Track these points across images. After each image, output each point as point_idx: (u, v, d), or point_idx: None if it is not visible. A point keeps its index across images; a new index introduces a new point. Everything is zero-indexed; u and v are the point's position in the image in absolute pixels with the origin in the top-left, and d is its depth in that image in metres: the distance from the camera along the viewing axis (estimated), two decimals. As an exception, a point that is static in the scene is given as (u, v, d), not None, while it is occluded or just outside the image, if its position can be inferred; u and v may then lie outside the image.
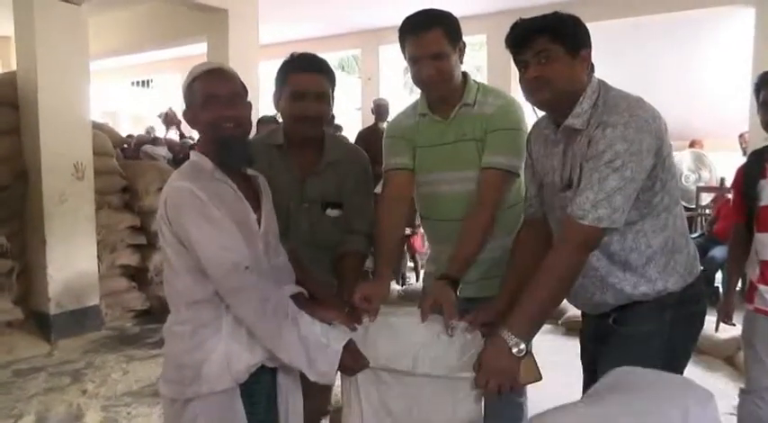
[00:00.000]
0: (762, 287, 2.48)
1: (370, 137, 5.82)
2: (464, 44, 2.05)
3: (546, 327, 4.72)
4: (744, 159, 2.93)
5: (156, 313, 5.26)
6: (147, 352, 4.53)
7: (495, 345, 1.58)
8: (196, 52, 7.64)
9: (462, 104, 2.08)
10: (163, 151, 7.30)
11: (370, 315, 1.86)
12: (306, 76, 2.04)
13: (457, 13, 2.07)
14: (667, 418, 1.20)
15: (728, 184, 5.17)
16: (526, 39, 1.64)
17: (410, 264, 6.54)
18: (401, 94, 9.77)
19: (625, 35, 7.91)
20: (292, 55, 2.12)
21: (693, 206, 6.97)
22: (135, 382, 3.99)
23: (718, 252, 5.32)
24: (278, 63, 2.14)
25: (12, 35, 5.91)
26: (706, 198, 6.94)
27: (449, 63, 1.98)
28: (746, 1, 6.47)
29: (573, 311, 4.28)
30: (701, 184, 7.25)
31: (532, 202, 1.93)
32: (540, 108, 1.76)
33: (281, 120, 2.25)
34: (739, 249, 2.65)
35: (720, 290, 4.80)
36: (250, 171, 1.81)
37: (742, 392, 2.59)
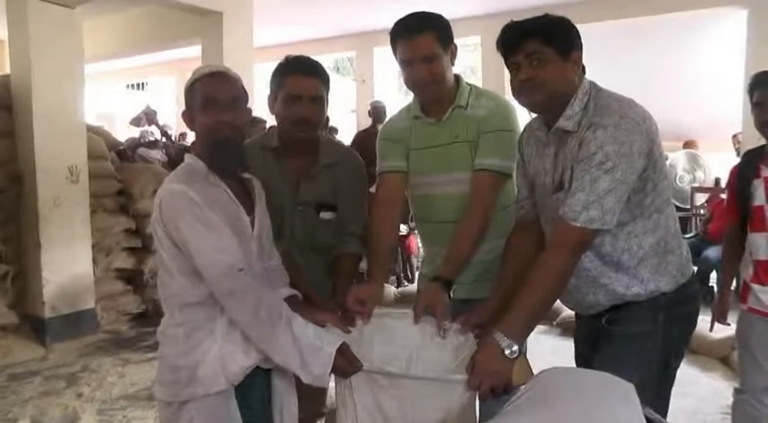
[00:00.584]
0: (755, 287, 2.49)
1: (367, 139, 5.82)
2: (456, 46, 2.05)
3: (541, 328, 4.75)
4: (738, 160, 2.94)
5: (151, 316, 5.25)
6: (142, 355, 4.52)
7: (487, 346, 1.59)
8: (191, 55, 7.65)
9: (455, 106, 2.09)
10: (158, 154, 7.30)
11: (364, 317, 1.86)
12: (301, 80, 2.04)
13: (451, 14, 2.08)
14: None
15: (723, 184, 5.18)
16: (517, 41, 1.65)
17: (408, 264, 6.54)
18: (396, 96, 9.76)
19: (620, 37, 7.93)
20: (287, 58, 2.12)
21: (688, 206, 6.99)
22: (131, 385, 3.98)
23: (713, 252, 5.34)
24: (273, 65, 2.14)
25: (5, 39, 5.91)
26: (700, 198, 6.96)
27: (440, 65, 1.99)
28: (739, 2, 6.50)
29: (568, 312, 4.29)
30: (696, 185, 7.26)
31: (524, 203, 1.94)
32: (532, 110, 1.77)
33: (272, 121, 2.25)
34: (733, 249, 2.67)
35: (715, 290, 4.82)
36: (244, 174, 1.82)
37: (736, 392, 2.60)
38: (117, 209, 5.37)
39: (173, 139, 8.09)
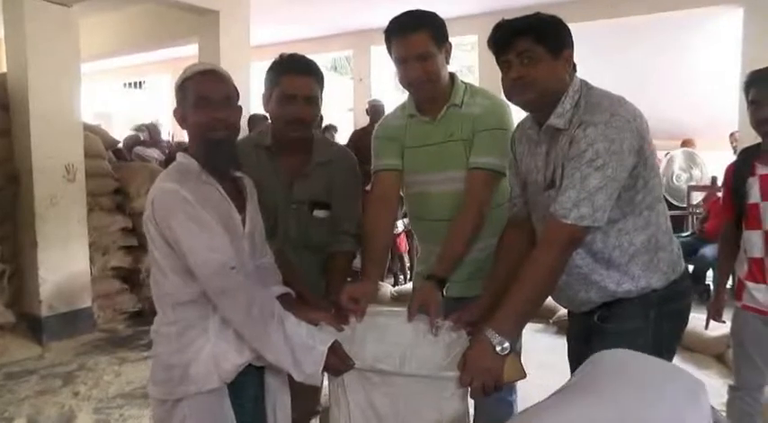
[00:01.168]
0: (750, 284, 2.49)
1: (363, 137, 5.82)
2: (450, 45, 2.06)
3: (537, 326, 4.77)
4: (734, 158, 2.95)
5: (148, 315, 5.24)
6: (139, 354, 4.52)
7: (479, 343, 1.59)
8: (188, 53, 7.64)
9: (450, 105, 2.09)
10: (155, 153, 7.30)
11: (357, 316, 1.87)
12: (296, 80, 2.04)
13: (448, 13, 2.08)
14: (656, 417, 1.17)
15: (720, 182, 5.19)
16: (509, 40, 1.65)
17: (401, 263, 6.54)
18: (393, 94, 9.76)
19: (617, 36, 7.94)
20: (282, 56, 2.12)
21: (685, 205, 7.00)
22: (127, 383, 3.98)
23: (709, 250, 5.35)
24: (269, 64, 2.14)
25: (2, 37, 5.90)
26: (697, 197, 6.97)
27: (435, 64, 2.00)
28: (735, 1, 6.51)
29: (564, 311, 4.29)
30: (693, 184, 7.27)
31: (516, 201, 1.94)
32: (523, 108, 1.78)
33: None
34: (729, 247, 2.67)
35: (711, 288, 4.83)
36: (236, 172, 1.82)
37: (731, 389, 2.61)
38: (114, 208, 5.37)
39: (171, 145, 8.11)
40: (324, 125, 7.35)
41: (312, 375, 1.64)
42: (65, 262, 4.79)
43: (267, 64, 2.16)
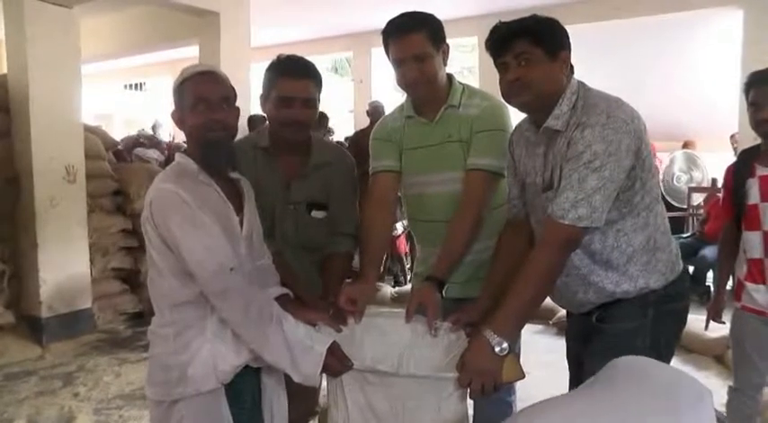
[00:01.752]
0: (749, 285, 2.49)
1: (363, 139, 5.82)
2: (448, 46, 2.06)
3: (537, 327, 4.77)
4: (735, 159, 2.95)
5: (148, 316, 5.17)
6: (139, 355, 4.52)
7: (477, 344, 1.59)
8: (188, 55, 7.64)
9: (448, 106, 2.09)
10: (155, 154, 7.31)
11: (356, 316, 1.87)
12: (294, 83, 2.03)
13: (448, 15, 2.08)
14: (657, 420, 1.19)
15: (720, 184, 5.18)
16: (506, 42, 1.66)
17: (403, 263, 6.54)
18: (393, 96, 9.78)
19: (617, 37, 7.94)
20: (279, 57, 2.11)
21: (685, 206, 7.00)
22: (127, 384, 3.99)
23: (709, 252, 5.35)
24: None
25: (2, 38, 5.90)
26: (697, 198, 6.97)
27: (432, 65, 2.00)
28: (735, 3, 6.52)
29: (564, 312, 4.29)
30: (693, 185, 7.27)
31: (515, 202, 1.95)
32: (521, 110, 1.78)
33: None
34: (728, 248, 2.67)
35: (712, 289, 4.82)
36: (233, 174, 1.82)
37: (731, 390, 2.61)
38: (114, 209, 5.38)
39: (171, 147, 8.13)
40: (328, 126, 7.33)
41: (310, 376, 1.64)
42: (65, 263, 4.79)
43: (267, 66, 2.16)
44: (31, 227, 4.63)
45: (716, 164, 6.96)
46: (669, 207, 5.65)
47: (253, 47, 5.99)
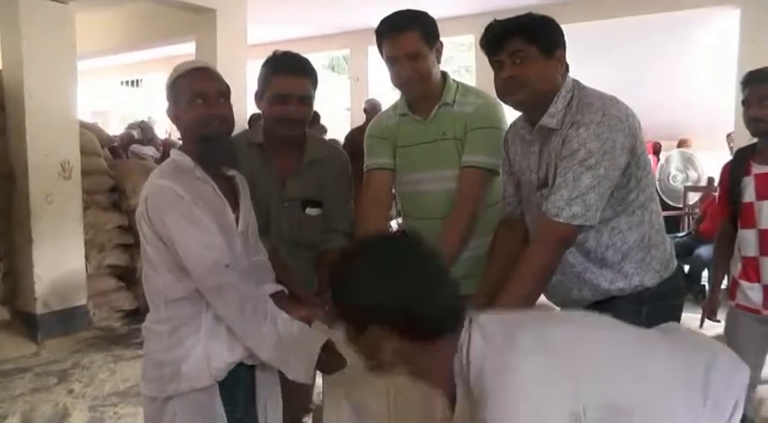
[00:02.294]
0: (743, 283, 2.50)
1: (359, 136, 5.80)
2: (441, 44, 2.06)
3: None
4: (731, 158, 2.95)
5: (143, 313, 5.13)
6: (134, 352, 4.50)
7: (472, 341, 1.59)
8: (185, 52, 7.62)
9: (442, 104, 2.09)
10: (150, 151, 7.29)
11: (350, 313, 1.86)
12: (289, 80, 2.03)
13: (445, 13, 2.08)
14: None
15: (716, 183, 5.18)
16: (501, 40, 1.66)
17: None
18: (390, 94, 9.78)
19: (613, 36, 7.95)
20: (275, 54, 2.10)
21: (681, 205, 7.01)
22: (122, 381, 3.98)
23: (705, 251, 5.35)
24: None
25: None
26: (693, 197, 6.98)
27: (426, 63, 2.00)
28: (731, 2, 6.52)
29: (558, 310, 4.29)
30: (689, 184, 7.29)
31: (510, 200, 1.95)
32: (516, 108, 1.78)
33: None
34: (724, 246, 2.67)
35: (707, 288, 4.83)
36: (229, 171, 1.81)
37: (724, 388, 2.61)
38: (109, 205, 5.35)
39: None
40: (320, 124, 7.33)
41: (305, 374, 1.64)
42: (60, 259, 4.77)
43: (263, 63, 2.15)
44: (26, 223, 4.61)
45: (713, 163, 6.98)
46: (665, 206, 5.66)
47: (249, 44, 5.98)
